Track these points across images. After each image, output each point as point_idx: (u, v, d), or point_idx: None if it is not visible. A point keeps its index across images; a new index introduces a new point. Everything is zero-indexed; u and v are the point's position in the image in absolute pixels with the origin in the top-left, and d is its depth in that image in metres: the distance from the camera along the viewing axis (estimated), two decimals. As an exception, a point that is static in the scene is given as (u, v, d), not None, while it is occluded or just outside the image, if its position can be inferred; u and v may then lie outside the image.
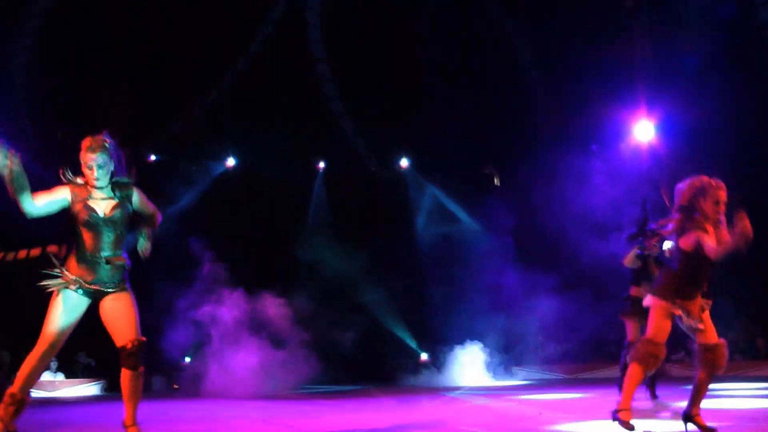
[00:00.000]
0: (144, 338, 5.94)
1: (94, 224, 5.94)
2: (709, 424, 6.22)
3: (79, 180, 5.98)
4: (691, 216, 6.10)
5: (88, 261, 5.94)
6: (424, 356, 18.61)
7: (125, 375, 5.92)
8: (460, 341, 17.21)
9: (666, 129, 17.13)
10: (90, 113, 16.18)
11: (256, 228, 19.48)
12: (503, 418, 8.56)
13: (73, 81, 16.81)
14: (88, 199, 5.95)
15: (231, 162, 20.26)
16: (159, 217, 6.33)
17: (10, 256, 8.69)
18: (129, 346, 5.86)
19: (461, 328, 17.40)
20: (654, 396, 10.07)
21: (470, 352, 16.98)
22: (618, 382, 9.93)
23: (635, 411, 6.33)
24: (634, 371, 6.14)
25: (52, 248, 8.77)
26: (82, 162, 5.94)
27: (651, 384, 10.12)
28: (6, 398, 5.87)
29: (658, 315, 6.19)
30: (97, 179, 5.93)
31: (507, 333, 17.52)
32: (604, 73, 17.24)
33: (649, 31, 17.29)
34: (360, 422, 8.44)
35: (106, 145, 5.96)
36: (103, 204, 5.97)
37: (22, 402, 5.89)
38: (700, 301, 6.21)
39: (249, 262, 17.33)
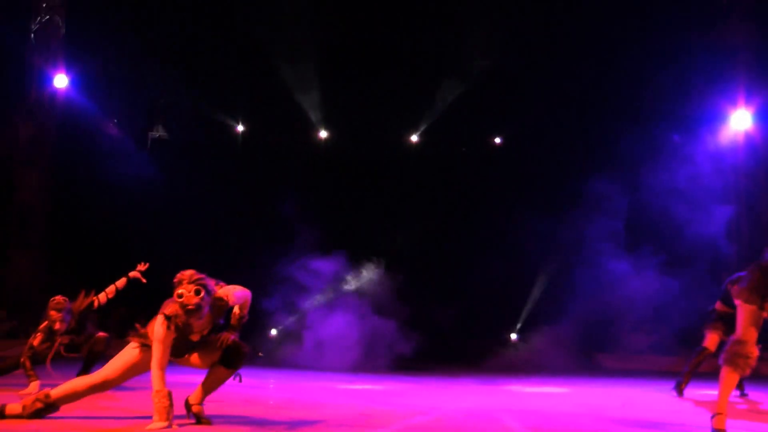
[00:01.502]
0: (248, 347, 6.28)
1: (192, 344, 6.27)
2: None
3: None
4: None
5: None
6: (513, 336, 18.56)
7: (221, 370, 6.22)
8: (549, 323, 17.18)
9: (764, 118, 16.75)
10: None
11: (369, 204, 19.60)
12: (585, 408, 8.56)
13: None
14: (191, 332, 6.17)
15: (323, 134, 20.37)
16: (237, 301, 6.37)
17: (103, 298, 9.16)
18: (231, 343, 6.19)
19: (551, 311, 17.37)
20: (743, 394, 9.89)
21: (558, 335, 16.91)
22: (676, 386, 9.85)
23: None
24: (726, 374, 6.04)
25: (134, 274, 9.18)
26: (179, 292, 5.99)
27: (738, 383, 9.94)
28: (41, 394, 6.13)
29: (746, 315, 6.10)
30: (188, 314, 6.02)
31: (595, 318, 17.34)
32: (702, 59, 16.94)
33: (749, 17, 16.92)
34: (441, 405, 8.52)
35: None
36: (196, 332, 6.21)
37: (52, 407, 6.14)
38: None
39: (356, 239, 17.40)
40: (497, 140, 20.41)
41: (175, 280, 5.97)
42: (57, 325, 8.61)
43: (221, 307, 6.17)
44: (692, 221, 15.49)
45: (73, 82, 17.29)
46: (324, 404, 8.22)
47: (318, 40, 18.40)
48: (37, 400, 6.08)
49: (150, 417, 5.82)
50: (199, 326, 6.11)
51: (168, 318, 5.94)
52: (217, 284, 6.16)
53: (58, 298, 8.74)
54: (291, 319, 16.29)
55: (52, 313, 8.63)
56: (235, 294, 6.23)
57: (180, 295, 5.91)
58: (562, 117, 18.79)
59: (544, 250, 17.97)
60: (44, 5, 16.96)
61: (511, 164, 19.69)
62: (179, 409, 6.12)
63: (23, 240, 17.05)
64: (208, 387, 6.22)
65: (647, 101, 18.06)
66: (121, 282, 9.27)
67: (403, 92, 19.06)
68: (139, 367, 6.20)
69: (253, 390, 9.52)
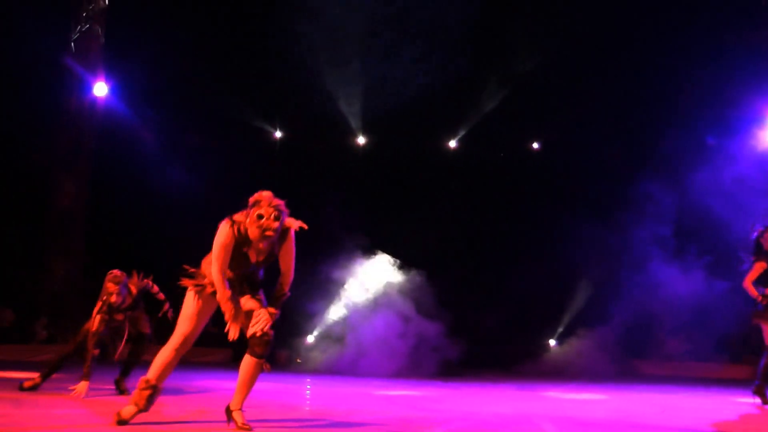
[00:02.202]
0: (272, 331, 6.10)
1: (246, 266, 6.18)
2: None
3: (243, 227, 6.04)
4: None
5: (233, 280, 6.16)
6: (552, 342, 18.49)
7: (248, 361, 6.12)
8: (590, 328, 17.12)
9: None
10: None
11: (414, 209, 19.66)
12: (622, 414, 8.51)
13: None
14: (249, 247, 6.09)
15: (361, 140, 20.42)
16: (290, 279, 6.35)
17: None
18: (259, 333, 6.06)
19: (592, 316, 17.31)
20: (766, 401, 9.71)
21: (598, 340, 16.84)
22: (755, 389, 9.70)
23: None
24: None
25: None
26: (259, 212, 5.96)
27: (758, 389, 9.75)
28: (141, 383, 6.17)
29: None
30: (264, 239, 6.02)
31: (636, 323, 17.23)
32: (745, 58, 16.85)
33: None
34: (479, 410, 8.51)
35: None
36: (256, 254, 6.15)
37: (156, 389, 6.17)
38: None
39: (397, 244, 17.44)
40: (535, 145, 20.38)
41: (252, 200, 5.98)
42: (113, 298, 8.58)
43: (283, 239, 6.18)
44: (737, 221, 15.38)
45: (113, 90, 17.49)
46: (361, 410, 8.23)
47: (357, 46, 18.49)
48: (142, 389, 6.12)
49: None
50: (260, 248, 6.10)
51: (233, 223, 5.99)
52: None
53: (116, 271, 8.72)
54: (331, 324, 16.36)
55: (109, 285, 8.59)
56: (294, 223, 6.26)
57: (260, 216, 5.91)
58: (605, 120, 18.73)
59: (587, 254, 17.89)
60: (84, 15, 17.18)
61: (552, 169, 19.68)
62: (220, 415, 6.16)
63: (62, 246, 17.25)
64: (243, 386, 6.17)
65: (690, 103, 17.95)
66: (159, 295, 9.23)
67: (442, 98, 19.11)
68: (207, 310, 6.25)
69: (290, 396, 9.57)
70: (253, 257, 6.14)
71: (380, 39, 18.74)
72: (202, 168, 18.37)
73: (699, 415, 8.66)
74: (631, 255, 17.12)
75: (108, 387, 8.78)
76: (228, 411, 6.18)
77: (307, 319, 16.41)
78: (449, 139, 20.35)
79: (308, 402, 9.25)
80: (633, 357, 17.51)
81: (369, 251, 16.04)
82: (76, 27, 17.20)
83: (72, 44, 17.19)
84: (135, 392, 6.16)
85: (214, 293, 6.10)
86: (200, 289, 6.17)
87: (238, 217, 6.03)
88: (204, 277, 6.19)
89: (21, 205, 17.40)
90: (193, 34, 17.67)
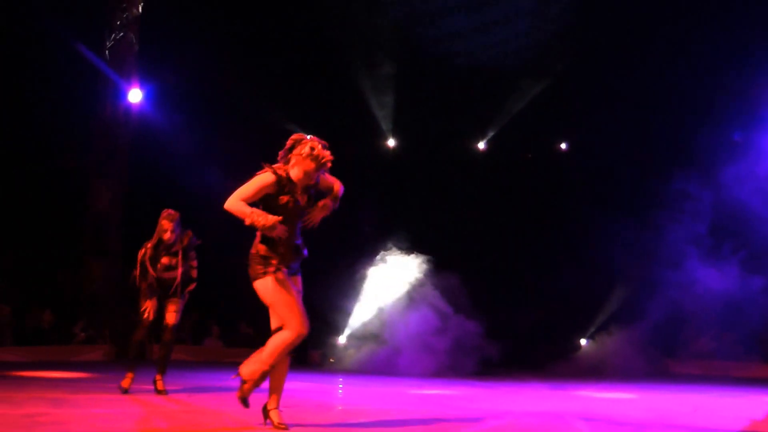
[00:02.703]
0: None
1: (295, 214, 6.16)
2: None
3: (284, 172, 6.14)
4: None
5: (287, 246, 6.12)
6: (584, 341, 18.48)
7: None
8: (623, 327, 17.12)
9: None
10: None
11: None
12: (654, 414, 8.54)
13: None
14: (293, 191, 6.14)
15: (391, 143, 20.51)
16: (341, 189, 6.42)
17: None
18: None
19: (626, 315, 17.31)
20: None
21: (630, 339, 16.83)
22: None
23: None
24: None
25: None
26: (303, 157, 6.11)
27: None
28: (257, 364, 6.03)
29: None
30: (322, 167, 6.15)
31: (669, 322, 17.17)
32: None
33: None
34: (513, 410, 8.57)
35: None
36: (302, 197, 6.19)
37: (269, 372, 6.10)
38: None
39: (431, 244, 17.51)
40: (563, 146, 20.38)
41: (289, 143, 6.21)
42: (167, 235, 8.71)
43: (325, 187, 6.32)
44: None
45: (147, 96, 17.70)
46: (395, 410, 8.31)
47: (388, 49, 18.60)
48: (263, 372, 6.03)
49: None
50: (307, 185, 6.19)
51: (275, 170, 6.13)
52: None
53: (170, 210, 8.88)
54: (366, 324, 16.47)
55: (164, 222, 8.71)
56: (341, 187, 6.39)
57: (312, 148, 6.08)
58: (637, 118, 18.67)
59: (621, 252, 17.86)
60: (118, 22, 17.41)
61: (586, 168, 19.68)
62: (257, 415, 6.27)
63: (98, 249, 17.50)
64: (277, 384, 6.22)
65: (722, 99, 17.85)
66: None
67: (470, 99, 19.19)
68: (289, 285, 6.11)
69: (324, 396, 9.67)
70: (302, 201, 6.18)
71: (411, 40, 18.87)
72: (237, 171, 18.51)
73: (732, 415, 8.67)
74: (664, 253, 17.06)
75: (147, 387, 8.92)
76: (265, 410, 6.27)
77: (341, 319, 16.56)
78: (478, 141, 20.40)
79: (341, 401, 9.37)
80: (666, 356, 17.45)
81: (405, 251, 16.12)
82: (111, 35, 17.42)
83: (107, 52, 17.42)
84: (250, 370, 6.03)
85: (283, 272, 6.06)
86: (274, 269, 6.04)
87: (276, 167, 6.14)
88: (269, 259, 6.06)
89: (60, 209, 17.66)
90: (225, 39, 17.84)
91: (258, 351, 6.08)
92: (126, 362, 9.18)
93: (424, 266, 16.06)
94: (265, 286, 6.04)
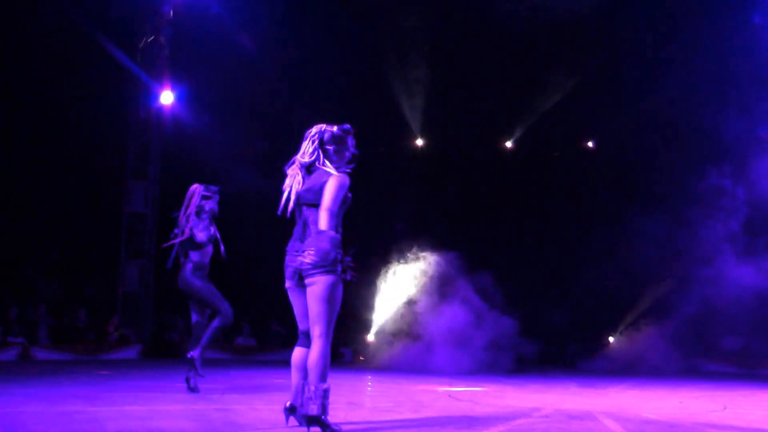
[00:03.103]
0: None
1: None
2: None
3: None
4: None
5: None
6: (615, 338, 18.44)
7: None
8: (652, 323, 17.08)
9: None
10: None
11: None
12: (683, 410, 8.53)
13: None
14: None
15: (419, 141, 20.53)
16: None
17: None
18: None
19: (657, 312, 17.27)
20: None
21: (661, 336, 16.78)
22: None
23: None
24: None
25: None
26: (347, 146, 6.14)
27: None
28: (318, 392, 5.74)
29: None
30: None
31: (700, 318, 17.07)
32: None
33: None
34: (544, 406, 8.59)
35: None
36: None
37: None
38: None
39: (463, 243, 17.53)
40: (590, 144, 20.37)
41: (340, 134, 6.19)
42: (209, 206, 9.00)
43: None
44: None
45: (179, 98, 17.86)
46: (427, 406, 8.37)
47: (419, 49, 18.66)
48: (323, 398, 5.72)
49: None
50: None
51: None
52: None
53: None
54: (398, 322, 16.53)
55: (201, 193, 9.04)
56: None
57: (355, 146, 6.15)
58: (669, 114, 18.61)
59: (654, 249, 17.81)
60: (150, 26, 17.59)
61: (617, 165, 19.66)
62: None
63: (133, 249, 17.70)
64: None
65: (752, 93, 17.74)
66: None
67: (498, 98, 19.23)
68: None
69: (353, 394, 9.72)
70: None
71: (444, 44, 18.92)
72: (270, 172, 18.61)
73: (764, 413, 8.65)
74: (698, 249, 16.98)
75: (180, 386, 9.01)
76: (293, 408, 6.05)
77: (372, 316, 16.64)
78: (506, 139, 20.45)
79: (369, 398, 9.43)
80: (697, 353, 17.37)
81: (436, 250, 16.18)
82: (143, 38, 17.62)
83: (139, 55, 17.60)
84: (316, 403, 5.70)
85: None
86: (345, 273, 5.87)
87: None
88: (337, 261, 5.84)
89: (95, 210, 17.88)
90: (256, 40, 17.95)
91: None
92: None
93: (457, 263, 16.12)
94: (331, 286, 5.82)
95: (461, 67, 19.06)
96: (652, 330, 17.16)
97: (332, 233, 5.81)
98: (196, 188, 9.17)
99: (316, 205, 5.95)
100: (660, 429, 6.96)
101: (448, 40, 18.92)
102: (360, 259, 6.04)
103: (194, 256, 9.06)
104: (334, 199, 5.87)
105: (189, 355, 8.74)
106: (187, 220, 9.04)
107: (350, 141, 6.24)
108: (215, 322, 8.98)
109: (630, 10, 18.22)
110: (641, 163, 19.04)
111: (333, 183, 5.92)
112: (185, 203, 9.11)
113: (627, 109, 18.69)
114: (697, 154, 17.84)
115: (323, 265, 5.77)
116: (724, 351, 17.56)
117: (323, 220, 5.83)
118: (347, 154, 6.21)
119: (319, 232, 5.82)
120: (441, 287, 15.89)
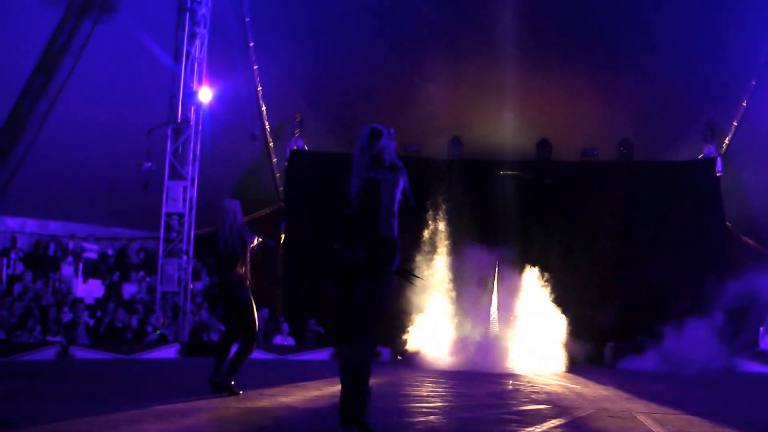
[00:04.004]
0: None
1: None
2: None
3: None
4: None
5: None
6: (654, 337, 18.29)
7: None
8: (691, 323, 16.97)
9: None
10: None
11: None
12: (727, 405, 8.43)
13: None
14: None
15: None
16: None
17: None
18: None
19: (693, 311, 17.14)
20: None
21: (697, 336, 16.64)
22: None
23: None
24: None
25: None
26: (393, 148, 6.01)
27: None
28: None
29: None
30: None
31: (737, 318, 16.93)
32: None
33: None
34: (584, 406, 8.53)
35: None
36: None
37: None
38: None
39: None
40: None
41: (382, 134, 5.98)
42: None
43: None
44: None
45: (218, 97, 17.97)
46: (468, 406, 8.34)
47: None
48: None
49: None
50: None
51: None
52: None
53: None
54: (440, 322, 16.57)
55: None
56: None
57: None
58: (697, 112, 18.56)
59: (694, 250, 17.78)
60: (188, 23, 17.72)
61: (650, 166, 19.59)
62: (331, 416, 6.30)
63: (171, 248, 17.83)
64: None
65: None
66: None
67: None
68: None
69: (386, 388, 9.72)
70: None
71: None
72: (302, 173, 18.75)
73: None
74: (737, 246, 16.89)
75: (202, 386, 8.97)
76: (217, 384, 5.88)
77: (413, 316, 16.65)
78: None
79: (410, 396, 9.41)
80: (736, 353, 17.18)
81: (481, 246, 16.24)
82: (182, 36, 17.74)
83: (178, 53, 17.73)
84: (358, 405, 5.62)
85: None
86: (402, 274, 5.82)
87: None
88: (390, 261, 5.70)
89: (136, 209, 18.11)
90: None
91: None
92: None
93: (502, 263, 16.15)
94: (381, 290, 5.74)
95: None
96: (692, 329, 16.97)
97: (385, 233, 5.66)
98: (236, 203, 9.14)
99: (368, 204, 5.79)
100: (699, 427, 6.87)
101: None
102: (402, 256, 5.87)
103: (240, 268, 9.03)
104: (390, 199, 5.72)
105: (216, 380, 8.56)
106: (240, 234, 8.99)
107: (392, 143, 6.05)
108: (242, 348, 8.82)
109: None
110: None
111: (388, 183, 5.76)
112: (228, 216, 9.00)
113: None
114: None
115: (379, 264, 5.66)
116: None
117: (377, 219, 5.68)
118: (393, 155, 5.99)
119: (372, 231, 5.70)
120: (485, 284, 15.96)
